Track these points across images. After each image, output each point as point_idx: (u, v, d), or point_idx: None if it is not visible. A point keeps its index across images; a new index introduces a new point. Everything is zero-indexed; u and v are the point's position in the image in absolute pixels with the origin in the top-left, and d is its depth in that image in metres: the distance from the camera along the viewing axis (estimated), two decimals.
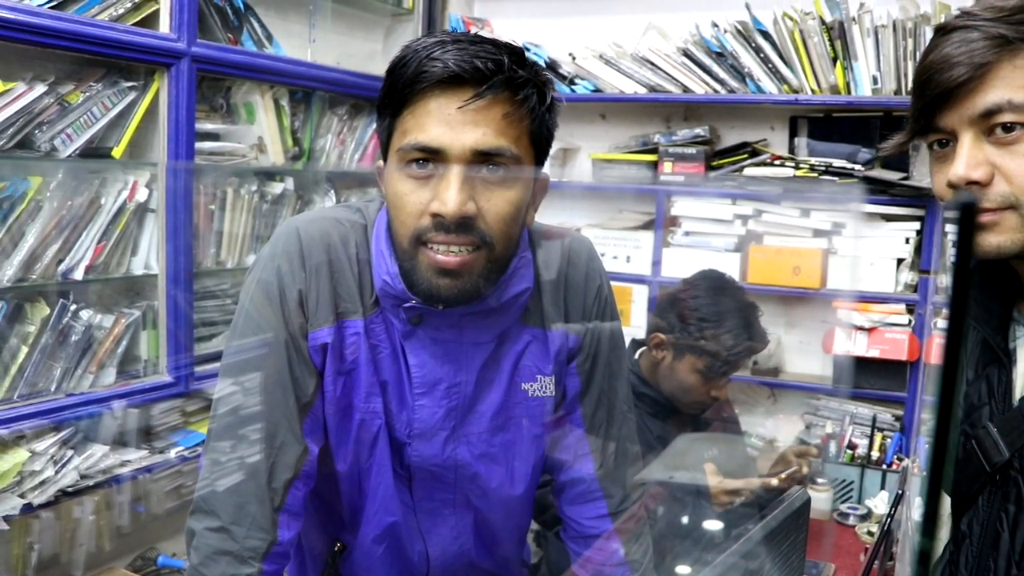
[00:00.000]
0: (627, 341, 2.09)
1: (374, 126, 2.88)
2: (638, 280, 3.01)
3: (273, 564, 1.11)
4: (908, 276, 2.77)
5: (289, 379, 1.11)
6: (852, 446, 2.77)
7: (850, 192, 2.75)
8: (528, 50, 1.09)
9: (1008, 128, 0.91)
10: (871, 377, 2.80)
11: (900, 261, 2.77)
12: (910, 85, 2.71)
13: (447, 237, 1.02)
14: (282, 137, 2.62)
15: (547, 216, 1.22)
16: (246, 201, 2.52)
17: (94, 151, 2.12)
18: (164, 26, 2.18)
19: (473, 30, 3.07)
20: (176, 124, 2.21)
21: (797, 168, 2.83)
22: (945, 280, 2.71)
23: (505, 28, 3.29)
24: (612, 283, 1.31)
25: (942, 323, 2.68)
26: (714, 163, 2.99)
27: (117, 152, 2.14)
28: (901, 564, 1.71)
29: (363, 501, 1.21)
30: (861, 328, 2.77)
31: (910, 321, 2.74)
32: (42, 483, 2.02)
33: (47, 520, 2.15)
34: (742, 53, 2.88)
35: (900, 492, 1.83)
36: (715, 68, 2.93)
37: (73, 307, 2.07)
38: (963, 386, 1.05)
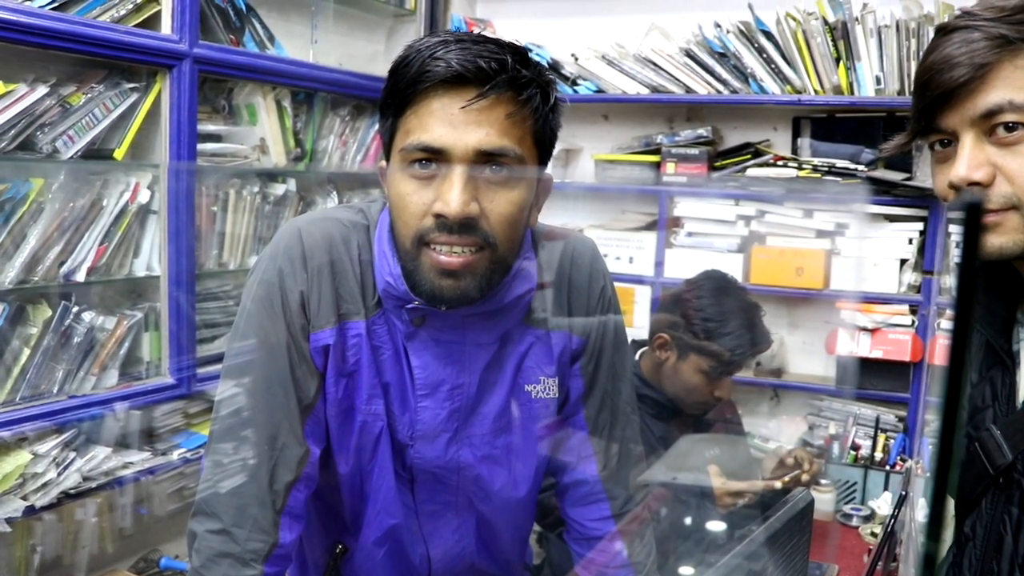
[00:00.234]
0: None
1: (376, 127, 2.89)
2: (641, 281, 3.00)
3: (275, 566, 1.11)
4: (911, 277, 2.76)
5: (291, 381, 1.10)
6: (855, 447, 2.76)
7: (855, 192, 2.75)
8: (531, 51, 1.08)
9: (1010, 128, 0.90)
10: (874, 378, 2.79)
11: (903, 262, 2.76)
12: (913, 86, 2.71)
13: (450, 238, 1.01)
14: (284, 138, 2.62)
15: (549, 217, 1.21)
16: (248, 202, 2.52)
17: (96, 153, 2.12)
18: (166, 27, 2.18)
19: (475, 31, 3.07)
20: (178, 125, 2.21)
21: (800, 169, 2.82)
22: (948, 281, 2.71)
23: (507, 29, 3.29)
24: (615, 284, 1.30)
25: (946, 324, 2.67)
26: (717, 164, 2.99)
27: (119, 153, 2.14)
28: (905, 566, 1.70)
29: (364, 503, 1.21)
30: (864, 329, 2.77)
31: (913, 322, 2.73)
32: (44, 485, 2.02)
33: (49, 522, 2.14)
34: (745, 53, 2.87)
35: (903, 493, 1.82)
36: (718, 68, 2.92)
37: (75, 309, 2.07)
38: (968, 388, 1.04)
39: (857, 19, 2.74)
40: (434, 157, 1.01)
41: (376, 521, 1.21)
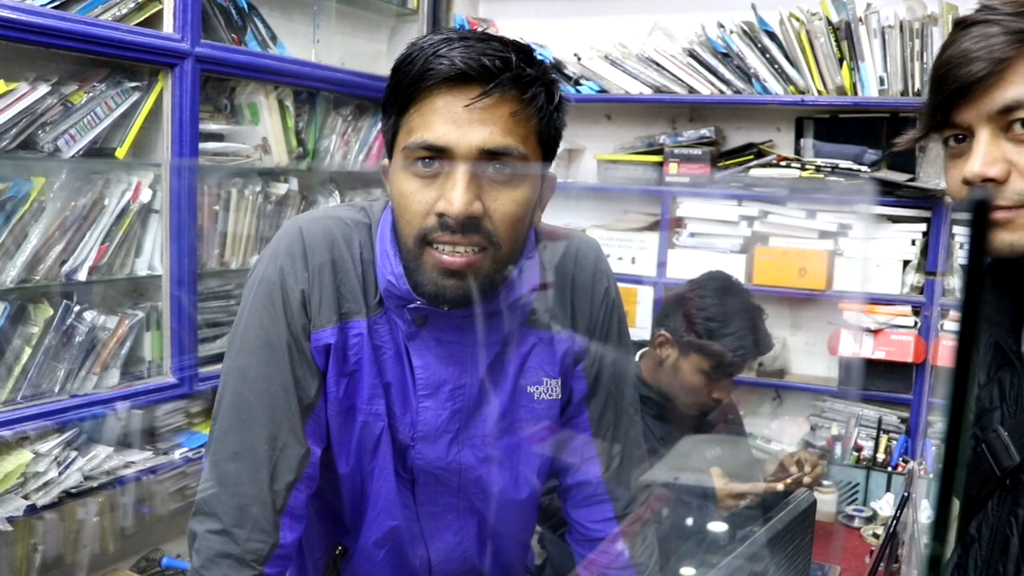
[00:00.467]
0: None
1: (378, 126, 2.90)
2: (643, 281, 3.00)
3: (275, 567, 1.10)
4: (914, 278, 2.75)
5: (291, 380, 1.09)
6: (858, 448, 2.75)
7: (862, 192, 2.74)
8: (535, 49, 1.07)
9: None
10: (877, 379, 2.79)
11: (906, 263, 2.76)
12: (917, 86, 2.71)
13: (452, 237, 1.00)
14: (286, 137, 2.62)
15: (552, 217, 1.20)
16: (250, 202, 2.51)
17: (97, 151, 2.12)
18: (168, 26, 2.18)
19: (478, 30, 3.06)
20: (180, 124, 2.20)
21: (803, 169, 2.82)
22: (952, 282, 2.70)
23: (510, 28, 3.28)
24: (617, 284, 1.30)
25: (949, 325, 2.67)
26: (720, 164, 2.98)
27: (121, 153, 2.14)
28: (907, 567, 1.70)
29: (365, 504, 1.20)
30: (867, 330, 2.76)
31: (916, 323, 2.72)
32: (46, 484, 2.02)
33: (51, 521, 2.14)
34: (748, 54, 2.87)
35: (906, 495, 1.82)
36: (721, 69, 2.92)
37: (77, 308, 2.07)
38: (975, 390, 1.03)
39: (861, 19, 2.73)
40: (437, 155, 1.00)
41: (376, 522, 1.21)
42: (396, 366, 1.13)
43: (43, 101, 1.96)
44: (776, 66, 2.84)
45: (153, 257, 2.25)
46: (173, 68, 2.19)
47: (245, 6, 2.48)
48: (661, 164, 3.03)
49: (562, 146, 1.16)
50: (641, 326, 2.91)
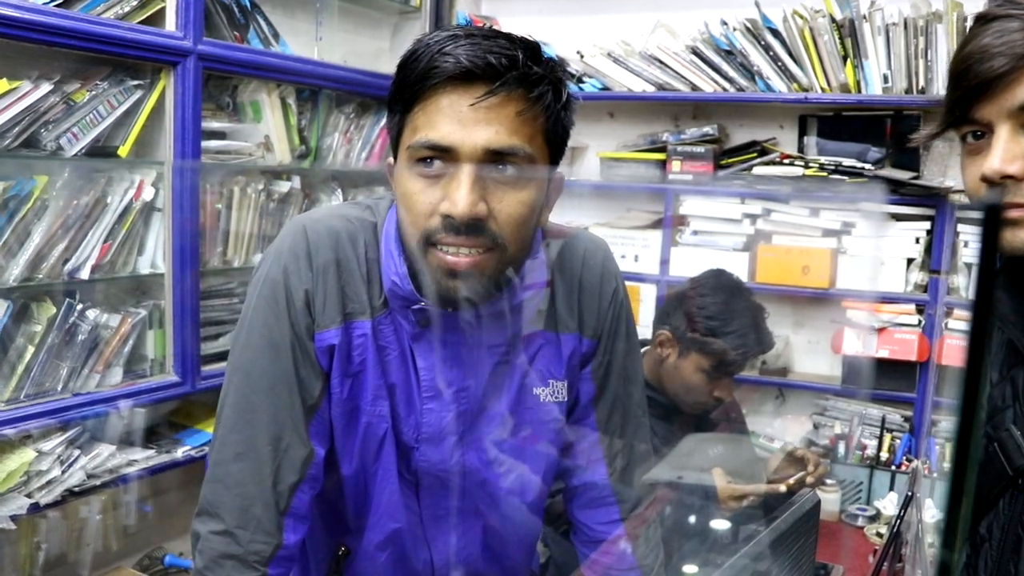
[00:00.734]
0: None
1: (381, 124, 2.89)
2: (646, 279, 2.99)
3: (279, 568, 1.10)
4: (918, 276, 2.75)
5: (295, 381, 1.09)
6: (861, 447, 2.75)
7: (871, 192, 2.73)
8: (543, 46, 1.06)
9: None
10: (880, 377, 2.78)
11: (910, 261, 2.75)
12: (921, 84, 2.71)
13: (457, 239, 0.99)
14: (289, 135, 2.61)
15: (555, 215, 1.19)
16: (252, 200, 2.51)
17: (100, 150, 2.11)
18: (170, 24, 2.17)
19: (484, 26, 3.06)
20: (182, 123, 2.20)
21: (807, 167, 2.81)
22: (957, 280, 2.70)
23: (512, 26, 3.27)
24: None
25: (954, 323, 2.66)
26: (723, 162, 2.97)
27: (123, 151, 2.13)
28: (911, 566, 1.69)
29: (368, 506, 1.20)
30: (871, 328, 2.76)
31: (920, 321, 2.72)
32: (49, 483, 2.01)
33: (54, 520, 2.14)
34: (751, 51, 2.86)
35: (910, 494, 1.81)
36: (724, 66, 2.91)
37: (79, 306, 2.07)
38: (987, 389, 1.02)
39: (865, 17, 2.72)
40: (442, 155, 0.99)
41: (379, 524, 1.20)
42: (400, 367, 1.12)
43: (45, 99, 1.96)
44: (780, 63, 2.84)
45: (156, 255, 2.25)
46: (175, 66, 2.18)
47: (248, 4, 2.47)
48: (664, 162, 3.03)
49: None
50: (644, 324, 2.91)
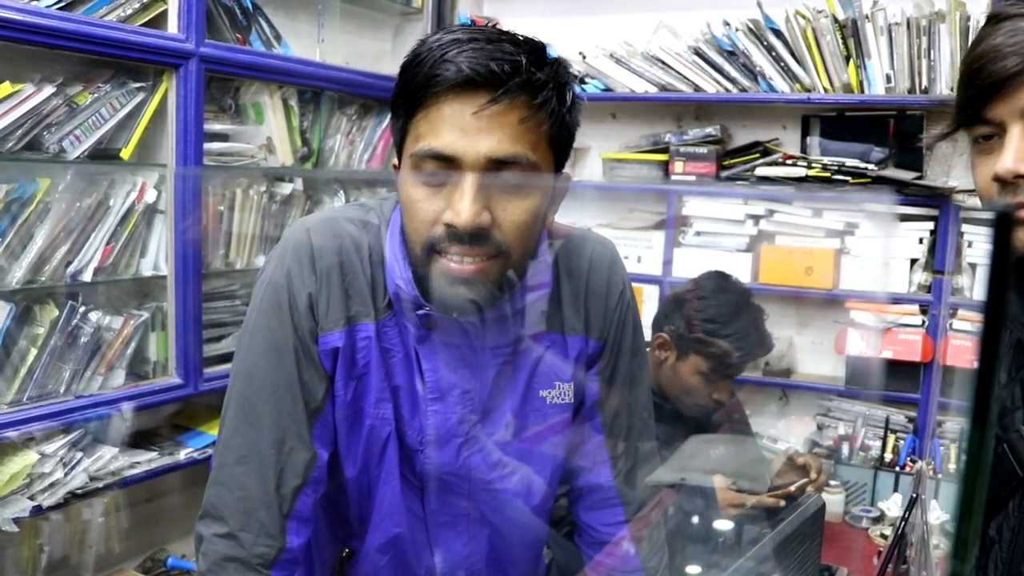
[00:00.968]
0: None
1: (384, 126, 2.89)
2: (649, 280, 2.99)
3: (282, 571, 1.10)
4: (922, 276, 2.74)
5: (298, 384, 1.09)
6: (865, 448, 2.74)
7: (879, 194, 2.72)
8: (548, 47, 1.05)
9: None
10: (884, 378, 2.77)
11: (914, 261, 2.74)
12: (924, 84, 2.70)
13: (461, 248, 0.98)
14: (291, 137, 2.61)
15: (558, 216, 1.18)
16: (255, 202, 2.51)
17: (102, 152, 2.11)
18: (172, 26, 2.17)
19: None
20: (184, 125, 2.20)
21: (809, 168, 2.80)
22: (961, 281, 2.69)
23: (514, 27, 3.25)
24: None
25: (957, 324, 2.65)
26: (725, 163, 2.97)
27: (125, 153, 2.13)
28: (916, 568, 1.69)
29: (371, 508, 1.19)
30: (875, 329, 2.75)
31: (924, 322, 2.71)
32: (51, 485, 2.01)
33: (56, 522, 2.14)
34: (754, 52, 2.86)
35: (914, 496, 1.81)
36: (726, 67, 2.91)
37: (82, 309, 2.07)
38: (996, 390, 1.02)
39: (867, 17, 2.72)
40: (444, 164, 0.98)
41: (381, 527, 1.20)
42: (405, 370, 1.12)
43: (48, 102, 1.96)
44: (782, 64, 2.83)
45: (158, 257, 2.24)
46: (177, 68, 2.18)
47: (249, 6, 2.47)
48: (666, 163, 3.03)
49: None
50: (647, 326, 2.90)
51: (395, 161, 1.10)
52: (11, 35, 1.83)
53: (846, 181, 2.74)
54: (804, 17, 2.80)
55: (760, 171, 2.87)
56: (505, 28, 1.08)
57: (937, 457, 2.60)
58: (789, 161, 2.85)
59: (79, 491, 2.08)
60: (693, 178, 2.97)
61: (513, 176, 0.99)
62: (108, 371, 2.15)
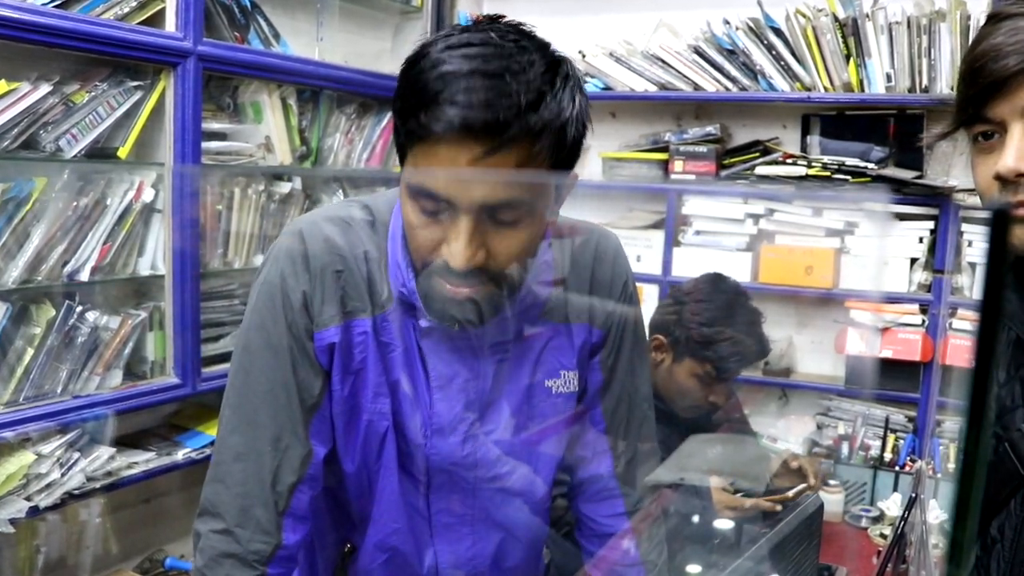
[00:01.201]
0: None
1: (382, 125, 2.88)
2: (648, 280, 2.98)
3: (278, 567, 1.10)
4: (922, 276, 2.74)
5: (293, 382, 1.09)
6: (865, 447, 2.74)
7: (874, 193, 2.72)
8: (560, 63, 0.99)
9: None
10: (884, 378, 2.77)
11: (913, 260, 2.74)
12: (924, 83, 2.69)
13: (457, 279, 0.98)
14: (289, 136, 2.61)
15: (563, 210, 1.19)
16: (253, 201, 2.50)
17: (99, 151, 2.11)
18: (170, 25, 2.17)
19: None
20: (182, 124, 2.19)
21: (809, 167, 2.80)
22: (961, 280, 2.68)
23: None
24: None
25: (957, 323, 2.65)
26: (725, 162, 2.96)
27: (123, 152, 2.13)
28: (915, 567, 1.68)
29: (370, 504, 1.19)
30: (875, 328, 2.75)
31: (924, 321, 2.71)
32: (48, 486, 2.01)
33: (53, 523, 2.13)
34: (754, 50, 2.85)
35: (914, 495, 1.80)
36: (726, 66, 2.90)
37: (79, 308, 2.06)
38: (994, 389, 1.01)
39: (868, 15, 2.71)
40: (440, 202, 0.96)
41: (381, 523, 1.20)
42: (405, 364, 1.12)
43: (45, 101, 1.95)
44: (782, 63, 2.83)
45: (156, 257, 2.24)
46: (175, 67, 2.18)
47: (248, 4, 2.46)
48: (666, 162, 3.02)
49: None
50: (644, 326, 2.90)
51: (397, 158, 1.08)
52: (7, 33, 1.82)
53: (846, 180, 2.74)
54: (804, 16, 2.79)
55: (760, 170, 2.87)
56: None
57: (936, 457, 2.59)
58: (789, 160, 2.84)
59: (76, 491, 2.07)
60: (693, 177, 2.97)
61: (510, 214, 0.97)
62: (105, 371, 2.14)
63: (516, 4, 3.39)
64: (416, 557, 1.22)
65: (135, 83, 2.14)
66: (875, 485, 2.57)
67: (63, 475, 2.04)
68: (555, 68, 0.97)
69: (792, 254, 2.83)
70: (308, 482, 1.12)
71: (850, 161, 2.75)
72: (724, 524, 1.73)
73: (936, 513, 2.06)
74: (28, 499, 1.96)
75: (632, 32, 3.10)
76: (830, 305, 2.89)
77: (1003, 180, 0.90)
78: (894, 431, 2.73)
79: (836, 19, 2.75)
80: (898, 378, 2.75)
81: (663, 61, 2.99)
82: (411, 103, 0.95)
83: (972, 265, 2.66)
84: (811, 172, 2.79)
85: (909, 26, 2.67)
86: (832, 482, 2.45)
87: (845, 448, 2.75)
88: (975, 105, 0.92)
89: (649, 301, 2.97)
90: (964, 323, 2.64)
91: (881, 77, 2.71)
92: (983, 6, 2.54)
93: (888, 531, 2.24)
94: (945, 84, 2.63)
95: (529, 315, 1.14)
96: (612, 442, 1.25)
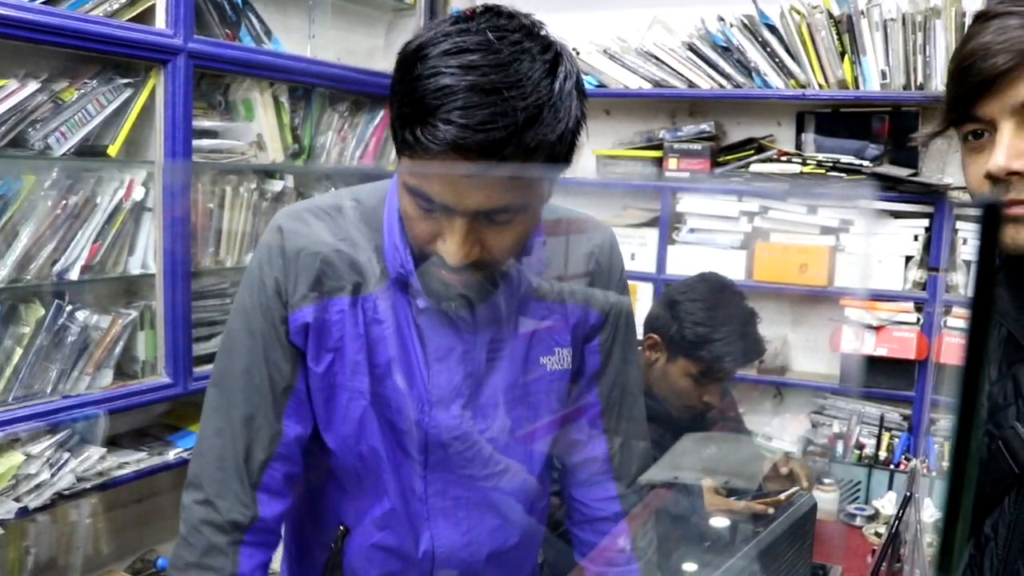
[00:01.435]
0: None
1: (375, 122, 2.87)
2: (643, 278, 2.97)
3: (257, 537, 1.15)
4: (916, 274, 2.73)
5: (265, 366, 1.14)
6: (859, 446, 2.73)
7: (860, 189, 2.72)
8: (560, 71, 0.98)
9: None
10: (879, 376, 2.77)
11: (908, 258, 2.73)
12: (919, 80, 2.69)
13: (453, 272, 1.02)
14: (281, 134, 2.59)
15: (561, 201, 1.22)
16: (245, 199, 2.49)
17: (89, 149, 2.09)
18: (160, 22, 2.15)
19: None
20: (173, 121, 2.18)
21: (804, 164, 2.79)
22: (955, 278, 2.68)
23: None
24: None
25: (952, 321, 2.64)
26: (720, 159, 2.96)
27: (112, 150, 2.11)
28: (909, 566, 1.67)
29: (358, 484, 1.21)
30: (869, 326, 2.74)
31: (918, 319, 2.70)
32: (38, 486, 1.99)
33: (43, 524, 2.12)
34: (748, 48, 2.84)
35: (908, 494, 1.79)
36: (721, 63, 2.89)
37: (69, 308, 2.05)
38: (986, 386, 1.01)
39: (862, 12, 2.71)
40: (434, 206, 0.98)
41: (371, 503, 1.21)
42: (398, 341, 1.14)
43: (33, 98, 1.94)
44: (777, 60, 2.82)
45: (146, 256, 2.22)
46: (166, 64, 2.16)
47: (239, 1, 2.45)
48: (661, 159, 3.02)
49: None
50: (638, 324, 2.89)
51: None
52: None
53: (841, 178, 2.73)
54: (799, 13, 2.78)
55: (755, 168, 2.86)
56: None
57: (931, 455, 2.59)
58: (784, 158, 2.84)
59: (66, 492, 2.06)
60: (687, 175, 2.96)
61: (505, 216, 1.00)
62: (96, 371, 2.13)
63: (510, 0, 3.38)
64: (412, 541, 1.22)
65: (125, 80, 2.13)
66: (870, 483, 2.56)
67: (53, 475, 2.02)
68: (555, 68, 0.97)
69: (787, 252, 2.83)
70: (279, 460, 1.16)
71: (845, 159, 2.75)
72: (717, 524, 1.73)
73: (931, 512, 2.06)
74: (17, 500, 1.95)
75: (626, 29, 3.09)
76: (825, 303, 2.89)
77: (994, 179, 0.90)
78: (889, 429, 2.73)
79: (831, 16, 2.74)
80: (893, 376, 2.75)
81: (657, 58, 2.98)
82: (407, 113, 0.95)
83: (967, 263, 2.65)
84: (806, 170, 2.78)
85: (904, 23, 2.66)
86: (826, 481, 2.45)
87: (840, 446, 2.75)
88: (965, 104, 0.92)
89: (643, 299, 2.97)
90: (959, 321, 2.63)
91: (876, 74, 2.71)
92: (978, 3, 2.53)
93: (883, 530, 2.23)
94: (940, 81, 2.62)
95: (525, 295, 1.17)
96: (607, 424, 1.29)
